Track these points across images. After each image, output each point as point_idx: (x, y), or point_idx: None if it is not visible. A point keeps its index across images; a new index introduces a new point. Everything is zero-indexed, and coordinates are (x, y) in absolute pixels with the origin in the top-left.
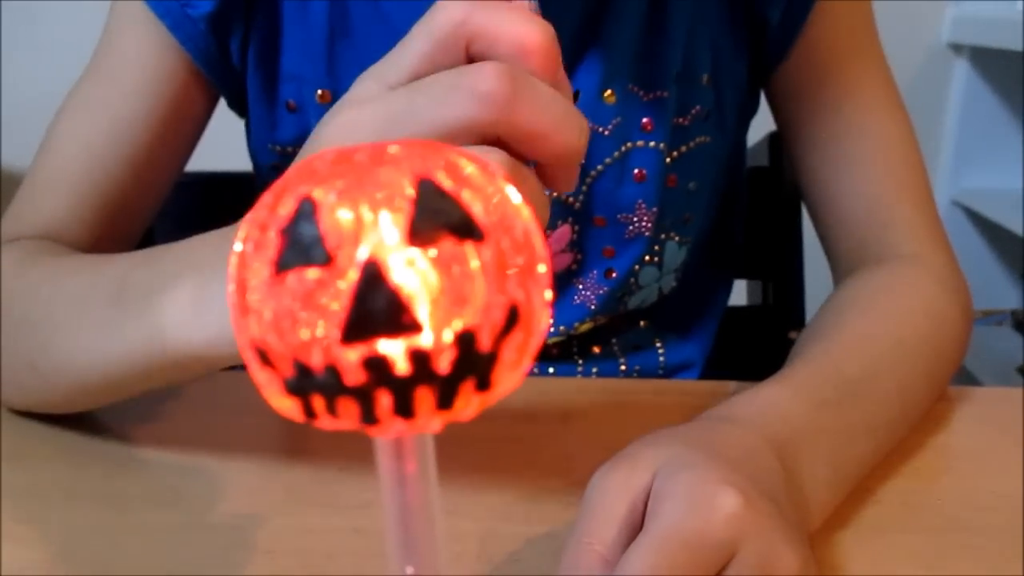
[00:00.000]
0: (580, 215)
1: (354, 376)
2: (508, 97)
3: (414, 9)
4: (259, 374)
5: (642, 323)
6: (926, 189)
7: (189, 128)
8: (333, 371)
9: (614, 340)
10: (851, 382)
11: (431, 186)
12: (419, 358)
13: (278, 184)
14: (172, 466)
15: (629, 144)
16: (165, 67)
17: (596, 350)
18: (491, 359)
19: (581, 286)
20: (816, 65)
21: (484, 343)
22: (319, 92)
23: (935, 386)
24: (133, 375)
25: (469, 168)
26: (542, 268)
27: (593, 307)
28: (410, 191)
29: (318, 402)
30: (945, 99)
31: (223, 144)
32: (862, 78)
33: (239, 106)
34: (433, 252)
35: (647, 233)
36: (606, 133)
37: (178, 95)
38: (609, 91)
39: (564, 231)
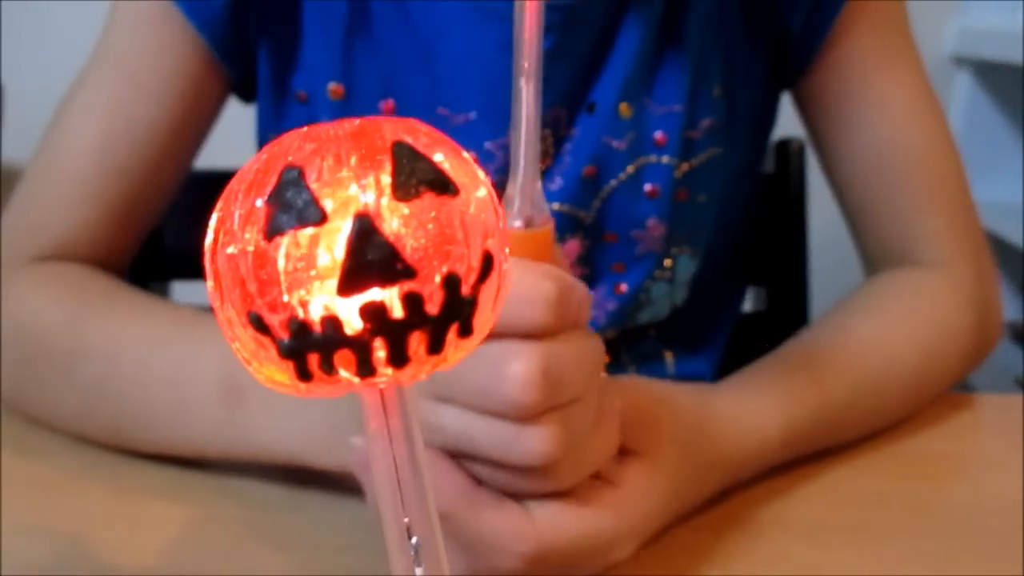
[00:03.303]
0: (591, 230)
1: (353, 325)
2: (539, 401)
3: (437, 11)
4: (249, 345)
5: (652, 332)
6: (959, 197)
7: (203, 122)
8: (332, 323)
9: (623, 351)
10: (834, 408)
11: (406, 147)
12: (412, 301)
13: (252, 163)
14: (182, 460)
15: (642, 159)
16: (182, 61)
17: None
18: (471, 304)
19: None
20: (845, 75)
21: (466, 287)
22: (331, 87)
23: (925, 396)
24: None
25: (433, 134)
26: (502, 224)
27: (602, 322)
28: (385, 156)
29: (313, 360)
30: (947, 111)
31: (232, 141)
32: (893, 87)
33: (246, 92)
34: (418, 204)
35: (658, 249)
36: (621, 148)
37: (194, 90)
38: (625, 104)
39: (573, 245)
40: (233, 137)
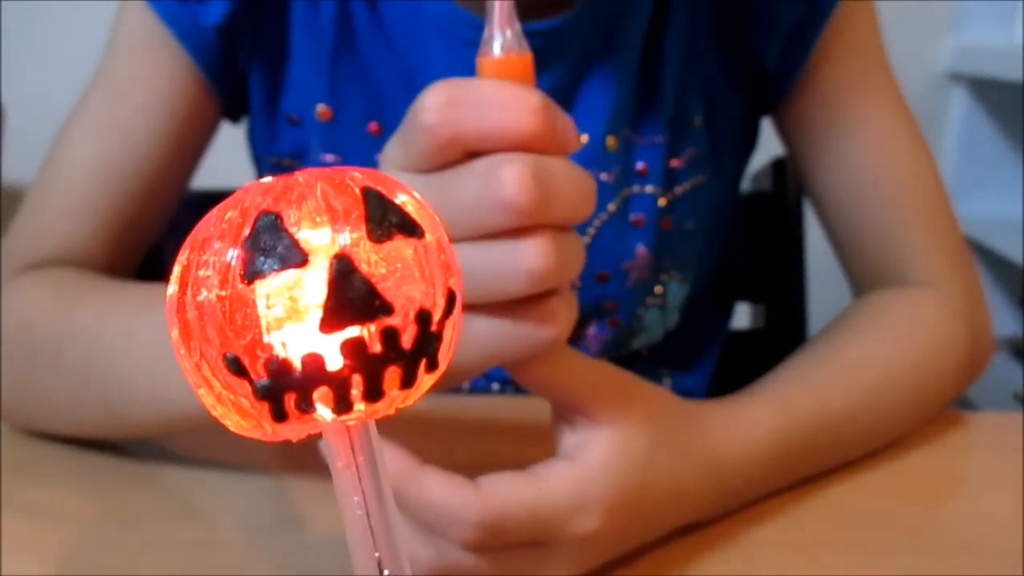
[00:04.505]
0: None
1: (334, 362)
2: (535, 203)
3: (418, 39)
4: (218, 390)
5: (644, 353)
6: (943, 217)
7: (199, 141)
8: (314, 361)
9: None
10: (832, 420)
11: (374, 193)
12: (389, 336)
13: (216, 213)
14: (183, 482)
15: (626, 190)
16: (177, 83)
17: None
18: (438, 338)
19: (583, 335)
20: (823, 102)
21: (434, 323)
22: (319, 108)
23: (922, 413)
24: None
25: (392, 181)
26: (456, 266)
27: (595, 351)
28: (357, 201)
29: (290, 400)
30: (943, 128)
31: (230, 160)
32: (871, 113)
33: (231, 111)
34: (389, 246)
35: (647, 277)
36: (610, 181)
37: (189, 110)
38: (612, 137)
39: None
40: (235, 157)
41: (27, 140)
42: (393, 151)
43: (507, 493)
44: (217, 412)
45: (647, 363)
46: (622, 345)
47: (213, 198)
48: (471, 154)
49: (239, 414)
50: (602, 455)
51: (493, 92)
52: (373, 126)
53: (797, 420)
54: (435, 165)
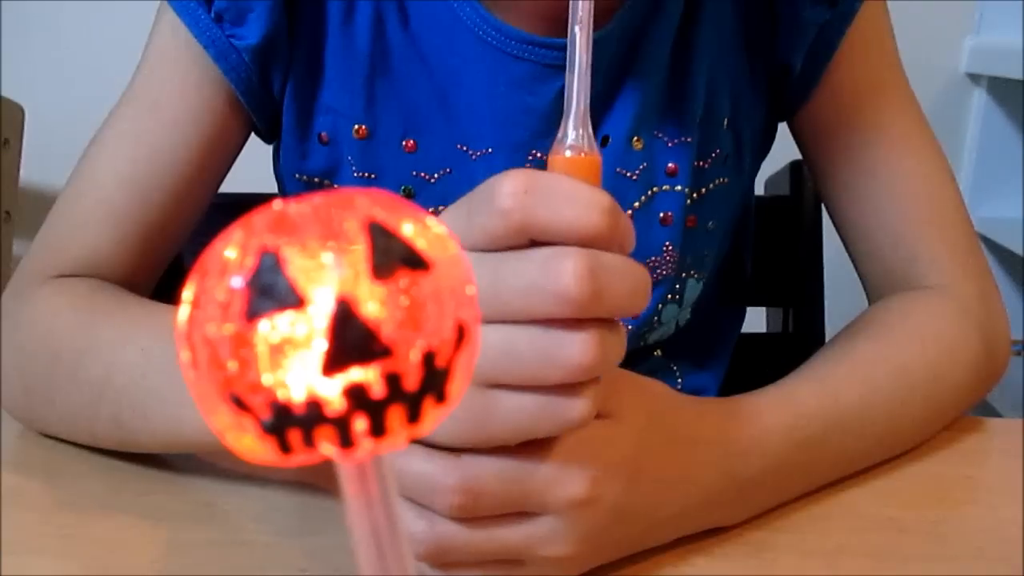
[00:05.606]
0: None
1: (335, 406)
2: (589, 297)
3: (451, 52)
4: (226, 420)
5: (657, 352)
6: (958, 221)
7: (226, 157)
8: (313, 404)
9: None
10: (844, 415)
11: (379, 228)
12: (392, 379)
13: (226, 242)
14: (207, 483)
15: (655, 188)
16: (207, 99)
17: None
18: (446, 374)
19: None
20: (840, 105)
21: (441, 360)
22: (356, 127)
23: (938, 415)
24: None
25: (400, 207)
26: (470, 290)
27: None
28: (361, 236)
29: (295, 436)
30: (963, 129)
31: (251, 166)
32: (886, 116)
33: (268, 133)
34: (393, 285)
35: (672, 273)
36: (634, 178)
37: (218, 126)
38: (637, 138)
39: None
40: (256, 163)
41: (32, 141)
42: (454, 225)
43: (485, 460)
44: (228, 438)
45: (660, 360)
46: (640, 339)
47: (232, 204)
48: (532, 243)
49: (250, 441)
50: (588, 430)
51: (567, 187)
52: (409, 143)
53: (808, 413)
54: (497, 248)
